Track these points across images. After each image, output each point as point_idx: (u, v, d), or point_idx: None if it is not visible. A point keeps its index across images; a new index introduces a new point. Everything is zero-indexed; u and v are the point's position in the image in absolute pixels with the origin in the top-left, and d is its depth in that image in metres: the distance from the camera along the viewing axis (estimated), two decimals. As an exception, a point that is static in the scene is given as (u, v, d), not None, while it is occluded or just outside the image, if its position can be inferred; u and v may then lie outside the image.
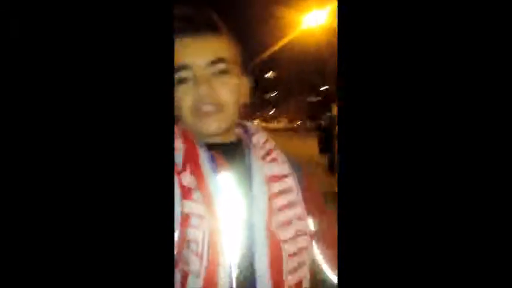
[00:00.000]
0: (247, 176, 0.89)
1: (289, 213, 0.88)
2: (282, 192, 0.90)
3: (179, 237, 0.77)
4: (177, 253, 0.77)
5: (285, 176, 0.93)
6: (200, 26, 0.86)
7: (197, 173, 0.83)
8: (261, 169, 0.90)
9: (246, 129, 1.00)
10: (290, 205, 0.89)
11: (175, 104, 0.88)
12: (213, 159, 0.85)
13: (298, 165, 1.00)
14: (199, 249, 0.78)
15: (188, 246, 0.78)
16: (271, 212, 0.86)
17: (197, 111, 0.85)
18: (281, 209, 0.88)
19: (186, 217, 0.78)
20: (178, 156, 0.84)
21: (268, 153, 0.94)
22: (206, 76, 0.84)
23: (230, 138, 0.94)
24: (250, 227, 0.84)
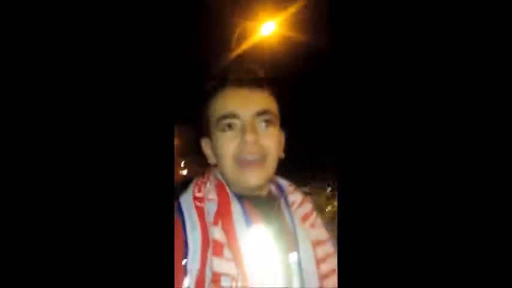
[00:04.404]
0: (287, 238, 0.84)
1: (334, 280, 0.83)
2: (326, 258, 0.86)
3: None
4: None
5: (326, 240, 0.90)
6: (250, 81, 0.87)
7: (229, 228, 0.79)
8: (306, 233, 0.87)
9: (279, 186, 0.97)
10: (334, 271, 0.85)
11: (217, 152, 0.87)
12: (246, 214, 0.82)
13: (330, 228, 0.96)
14: None
15: None
16: (322, 280, 0.82)
17: (240, 160, 0.83)
18: (327, 275, 0.84)
19: (216, 276, 0.73)
20: (212, 206, 0.82)
21: (306, 217, 0.91)
22: (253, 125, 0.84)
23: (263, 192, 0.91)
24: None
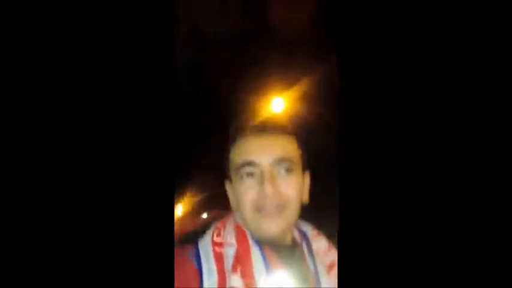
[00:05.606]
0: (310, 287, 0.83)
1: None
2: None
3: None
4: None
5: None
6: (272, 127, 0.88)
7: (248, 275, 0.77)
8: (332, 282, 0.84)
9: (303, 233, 0.95)
10: None
11: (237, 198, 0.87)
12: (266, 261, 0.80)
13: None
14: None
15: None
16: None
17: (259, 208, 0.83)
18: None
19: None
20: (231, 251, 0.81)
21: (333, 264, 0.88)
22: (272, 174, 0.83)
23: (286, 240, 0.89)
24: None
